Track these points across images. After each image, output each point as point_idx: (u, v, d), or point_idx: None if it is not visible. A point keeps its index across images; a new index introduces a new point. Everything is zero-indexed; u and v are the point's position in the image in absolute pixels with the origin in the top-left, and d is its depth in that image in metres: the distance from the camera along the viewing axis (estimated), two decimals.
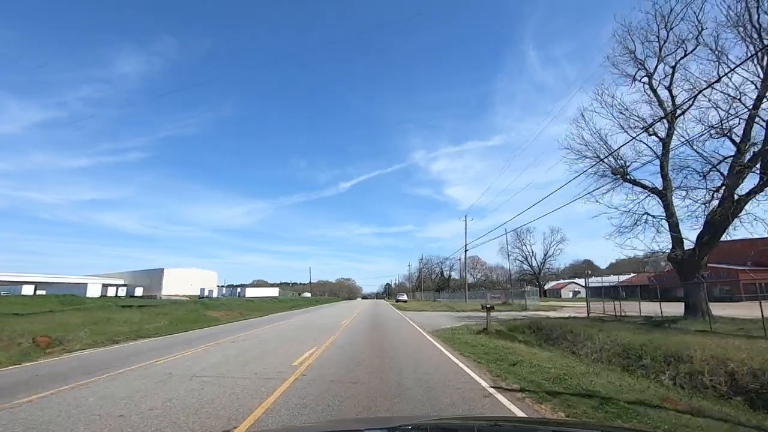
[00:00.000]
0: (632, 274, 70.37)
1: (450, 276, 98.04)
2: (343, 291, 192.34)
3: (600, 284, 77.12)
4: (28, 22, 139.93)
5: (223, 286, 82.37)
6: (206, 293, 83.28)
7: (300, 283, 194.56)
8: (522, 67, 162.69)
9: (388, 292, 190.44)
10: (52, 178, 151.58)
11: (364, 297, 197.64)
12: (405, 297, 59.15)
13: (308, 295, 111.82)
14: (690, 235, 20.51)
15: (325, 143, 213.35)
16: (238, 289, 79.54)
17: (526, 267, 75.04)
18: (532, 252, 75.27)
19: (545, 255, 73.60)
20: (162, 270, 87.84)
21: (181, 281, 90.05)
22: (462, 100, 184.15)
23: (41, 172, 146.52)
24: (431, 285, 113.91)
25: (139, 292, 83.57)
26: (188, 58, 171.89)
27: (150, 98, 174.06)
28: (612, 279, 79.33)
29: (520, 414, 5.16)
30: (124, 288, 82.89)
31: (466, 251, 39.26)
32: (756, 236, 16.66)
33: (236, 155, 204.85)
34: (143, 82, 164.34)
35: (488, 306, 17.56)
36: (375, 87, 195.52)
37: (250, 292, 79.59)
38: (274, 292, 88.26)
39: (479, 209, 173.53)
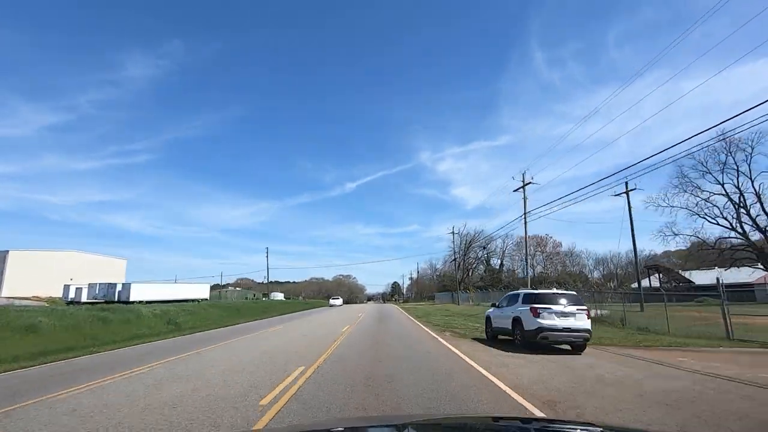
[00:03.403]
0: None
1: (501, 266, 59.36)
2: (342, 291, 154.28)
3: None
4: (38, 26, 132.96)
5: (96, 284, 44.70)
6: (72, 293, 46.17)
7: (291, 282, 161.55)
8: (528, 68, 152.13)
9: (397, 292, 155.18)
10: (61, 180, 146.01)
11: (369, 299, 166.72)
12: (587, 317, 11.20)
13: (279, 296, 73.97)
14: None
15: (331, 144, 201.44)
16: (118, 288, 42.16)
17: (729, 228, 32.54)
18: (758, 192, 29.45)
19: None
20: (5, 254, 50.70)
21: (42, 273, 52.79)
22: (468, 101, 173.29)
23: (52, 174, 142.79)
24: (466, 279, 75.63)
25: None
26: (196, 60, 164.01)
27: (158, 100, 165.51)
28: None
29: None
30: None
31: None
32: None
33: (242, 157, 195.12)
34: (151, 84, 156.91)
35: None
36: (381, 88, 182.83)
37: (141, 293, 42.04)
38: (200, 291, 50.61)
39: (485, 209, 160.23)
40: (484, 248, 59.55)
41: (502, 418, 3.75)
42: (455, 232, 58.53)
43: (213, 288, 76.85)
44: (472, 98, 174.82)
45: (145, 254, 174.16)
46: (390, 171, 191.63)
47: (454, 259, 58.23)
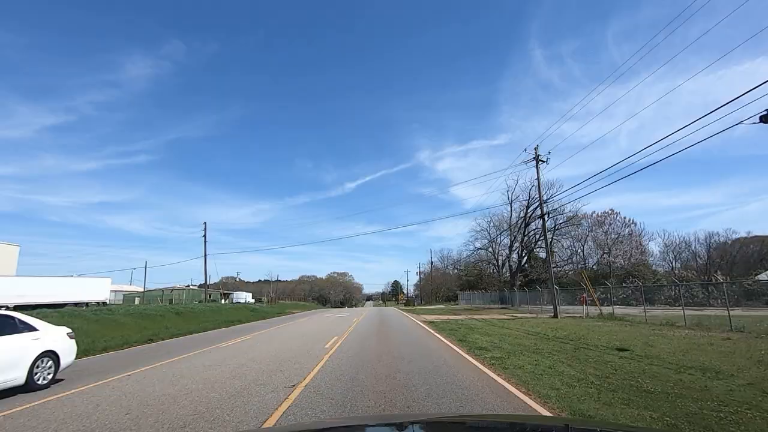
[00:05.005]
0: None
1: (550, 253, 41.27)
2: (336, 291, 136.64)
3: None
4: (38, 27, 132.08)
5: None
6: None
7: (283, 281, 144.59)
8: (527, 66, 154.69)
9: (399, 290, 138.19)
10: (62, 181, 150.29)
11: (369, 298, 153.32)
12: None
13: (246, 299, 55.84)
14: None
15: (332, 144, 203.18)
16: None
17: None
18: None
19: None
20: None
21: None
22: (467, 100, 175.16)
23: (52, 175, 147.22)
24: (492, 276, 58.47)
25: None
26: (196, 61, 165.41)
27: (158, 101, 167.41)
28: None
29: None
30: None
31: None
32: None
33: (243, 157, 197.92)
34: (151, 85, 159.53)
35: None
36: (381, 88, 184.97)
37: None
38: (94, 291, 32.69)
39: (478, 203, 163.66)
40: (553, 212, 38.98)
41: (504, 416, 3.92)
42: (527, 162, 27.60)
43: (162, 289, 58.93)
44: (471, 97, 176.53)
45: (144, 254, 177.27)
46: (390, 170, 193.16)
47: (525, 223, 38.48)
